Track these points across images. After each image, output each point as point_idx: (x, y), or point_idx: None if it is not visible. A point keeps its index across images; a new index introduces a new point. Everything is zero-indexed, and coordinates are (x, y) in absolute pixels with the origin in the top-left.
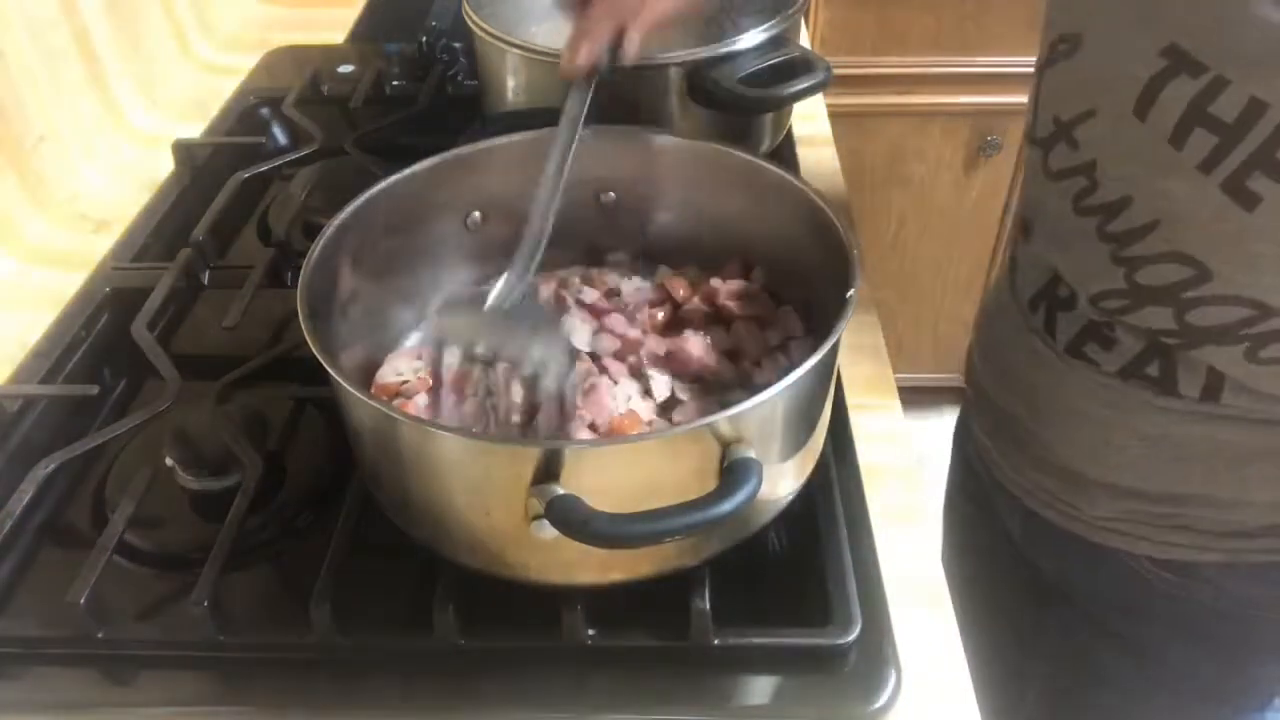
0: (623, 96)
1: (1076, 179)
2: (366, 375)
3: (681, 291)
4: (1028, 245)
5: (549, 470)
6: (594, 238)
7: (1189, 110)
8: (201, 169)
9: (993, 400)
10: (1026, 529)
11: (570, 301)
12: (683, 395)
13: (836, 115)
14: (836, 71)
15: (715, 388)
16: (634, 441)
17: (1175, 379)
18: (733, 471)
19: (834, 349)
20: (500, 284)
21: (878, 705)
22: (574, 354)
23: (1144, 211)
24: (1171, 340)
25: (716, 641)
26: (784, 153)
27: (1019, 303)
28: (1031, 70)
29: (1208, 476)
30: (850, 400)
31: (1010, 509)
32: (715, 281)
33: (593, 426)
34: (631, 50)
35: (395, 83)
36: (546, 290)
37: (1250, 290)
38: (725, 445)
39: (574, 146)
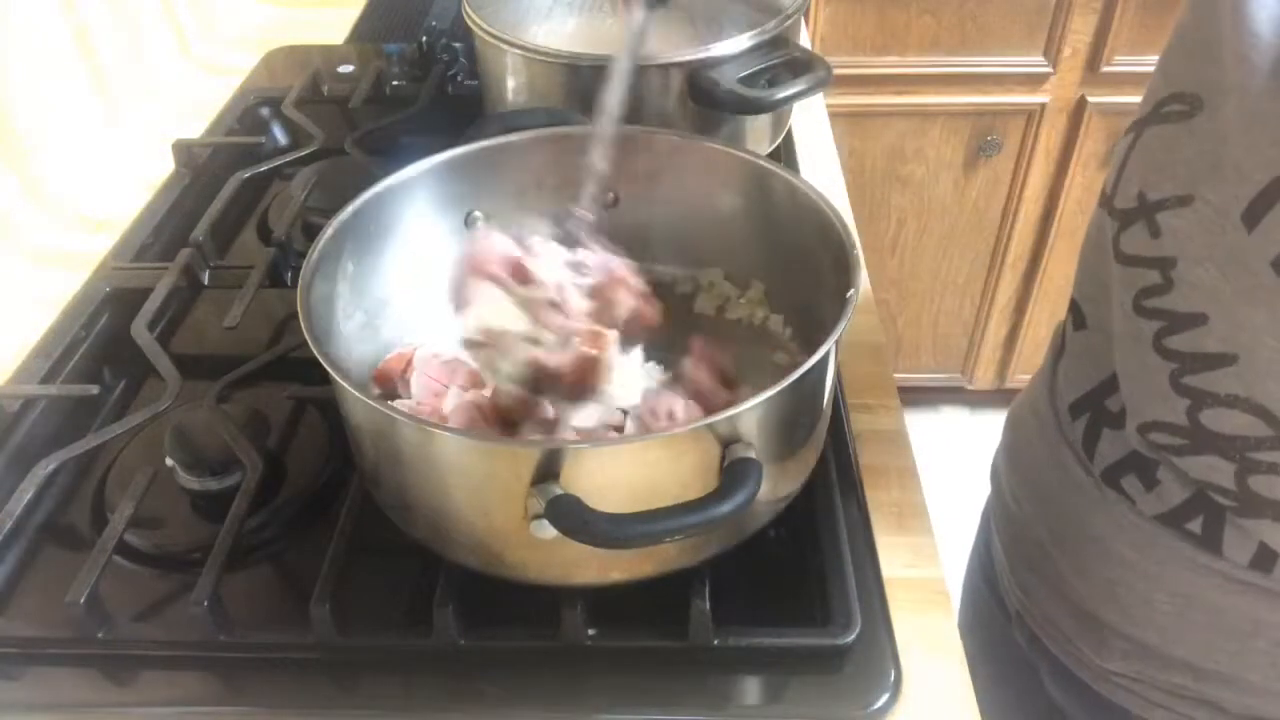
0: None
1: (1148, 272)
2: (366, 375)
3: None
4: (1077, 336)
5: (549, 470)
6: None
7: None
8: (201, 169)
9: (1014, 513)
10: (1033, 650)
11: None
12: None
13: (836, 115)
14: (836, 71)
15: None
16: (634, 441)
17: (1220, 541)
18: (733, 471)
19: (833, 349)
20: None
21: (878, 705)
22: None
23: (1219, 339)
24: (1225, 501)
25: (716, 641)
26: (784, 153)
27: (1058, 406)
28: (1033, 70)
29: (1242, 655)
30: (850, 400)
31: (1020, 630)
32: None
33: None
34: None
35: (395, 83)
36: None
37: None
38: (725, 445)
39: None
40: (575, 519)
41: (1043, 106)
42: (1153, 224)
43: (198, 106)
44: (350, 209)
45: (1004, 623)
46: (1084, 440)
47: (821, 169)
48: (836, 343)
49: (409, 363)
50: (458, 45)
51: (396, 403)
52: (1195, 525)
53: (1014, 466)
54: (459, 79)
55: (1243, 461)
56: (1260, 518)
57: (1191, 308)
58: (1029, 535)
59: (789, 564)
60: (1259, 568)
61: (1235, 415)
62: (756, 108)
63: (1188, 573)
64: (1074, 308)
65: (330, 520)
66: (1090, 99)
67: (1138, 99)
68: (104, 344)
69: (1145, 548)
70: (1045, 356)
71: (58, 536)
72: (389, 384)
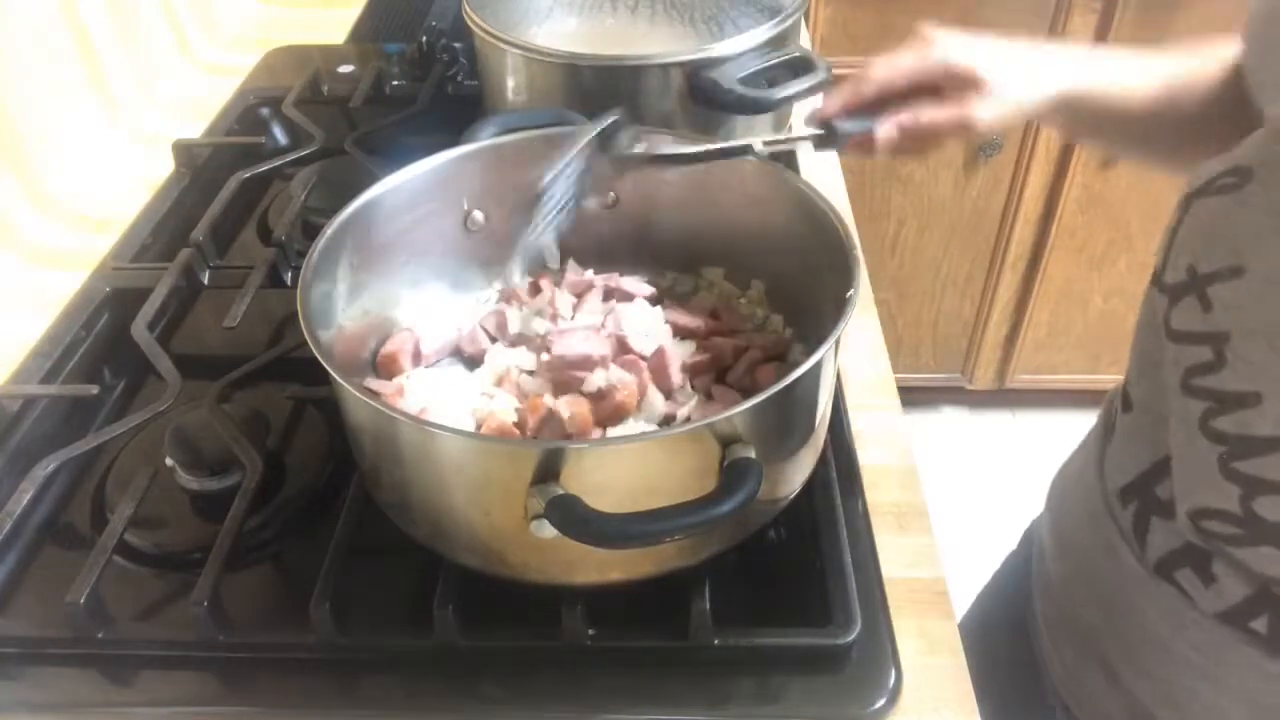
0: (623, 96)
1: (1199, 349)
2: (367, 374)
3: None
4: (1125, 418)
5: (549, 470)
6: (594, 238)
7: None
8: (201, 169)
9: (1058, 588)
10: None
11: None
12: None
13: None
14: (836, 71)
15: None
16: (634, 441)
17: None
18: (733, 471)
19: (833, 349)
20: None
21: (878, 705)
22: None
23: (1273, 420)
24: None
25: (716, 641)
26: (784, 153)
27: (1106, 489)
28: None
29: None
30: (850, 400)
31: (1056, 701)
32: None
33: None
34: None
35: (395, 83)
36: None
37: None
38: (725, 445)
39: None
40: (575, 519)
41: None
42: (1204, 298)
43: (198, 106)
44: (350, 209)
45: (1033, 684)
46: (1134, 528)
47: (821, 169)
48: (836, 343)
49: (416, 343)
50: (458, 45)
51: (405, 379)
52: (1260, 624)
53: (1059, 542)
54: (459, 79)
55: None
56: None
57: (1243, 385)
58: (1077, 615)
59: (789, 564)
60: None
61: None
62: (756, 108)
63: (1258, 681)
64: (1124, 391)
65: (330, 520)
66: None
67: None
68: (104, 344)
69: (1208, 649)
70: (1091, 435)
71: (58, 536)
72: (393, 368)
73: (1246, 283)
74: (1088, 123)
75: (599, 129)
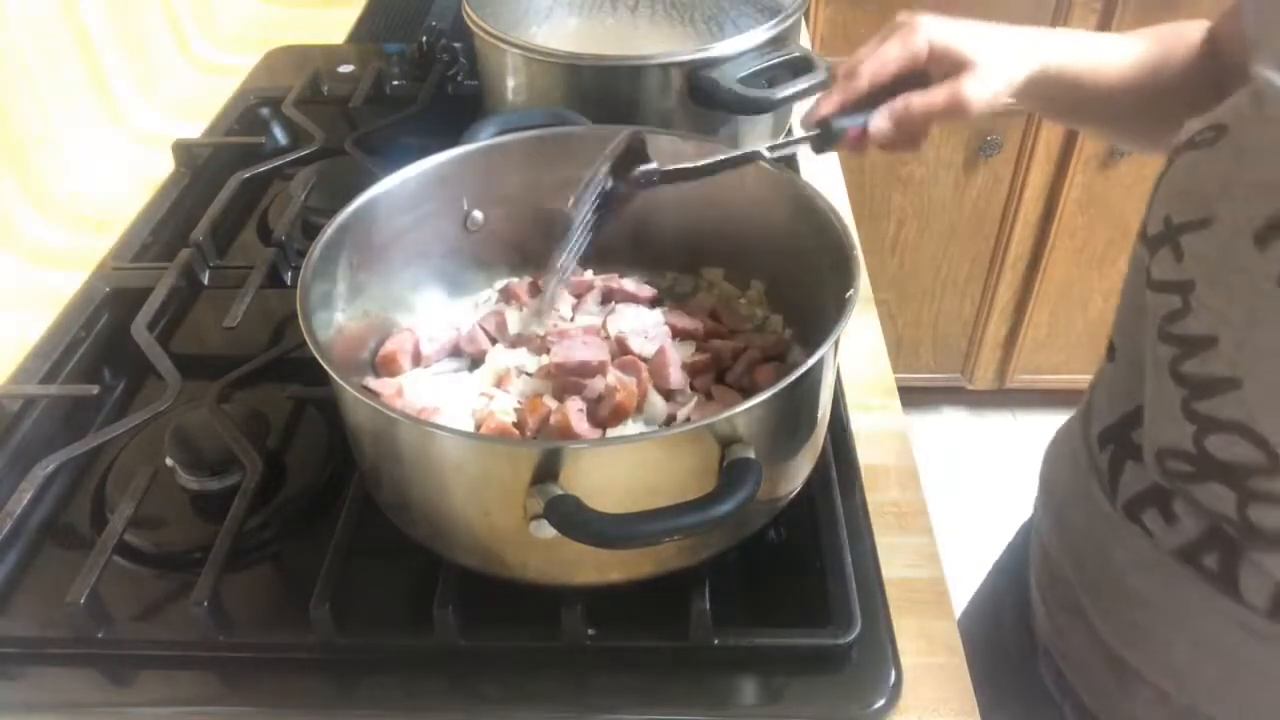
0: (623, 96)
1: (1171, 297)
2: (366, 373)
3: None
4: (1108, 368)
5: (548, 470)
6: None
7: None
8: (201, 169)
9: (1047, 549)
10: (1058, 688)
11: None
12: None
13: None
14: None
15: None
16: (633, 442)
17: (1237, 580)
18: (732, 471)
19: (833, 349)
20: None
21: (878, 705)
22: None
23: (1227, 362)
24: (1233, 533)
25: (716, 641)
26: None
27: (1089, 435)
28: None
29: (1260, 714)
30: (850, 400)
31: (1047, 665)
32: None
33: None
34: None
35: (395, 83)
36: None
37: None
38: (725, 445)
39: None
40: (574, 519)
41: None
42: (1177, 248)
43: (198, 106)
44: (350, 209)
45: (1029, 654)
46: (1109, 471)
47: (821, 169)
48: (836, 343)
49: (416, 343)
50: (458, 45)
51: (405, 380)
52: (1211, 561)
53: (1047, 497)
54: (459, 79)
55: (1241, 490)
56: (1266, 550)
57: (1204, 331)
58: (1060, 568)
59: (789, 564)
60: (1278, 617)
61: (1235, 442)
62: (756, 108)
63: (1210, 617)
64: (1110, 342)
65: (330, 520)
66: None
67: None
68: (104, 344)
69: (1165, 586)
70: (1085, 392)
71: (58, 536)
72: (393, 368)
73: (1213, 232)
74: (1067, 99)
75: (616, 150)
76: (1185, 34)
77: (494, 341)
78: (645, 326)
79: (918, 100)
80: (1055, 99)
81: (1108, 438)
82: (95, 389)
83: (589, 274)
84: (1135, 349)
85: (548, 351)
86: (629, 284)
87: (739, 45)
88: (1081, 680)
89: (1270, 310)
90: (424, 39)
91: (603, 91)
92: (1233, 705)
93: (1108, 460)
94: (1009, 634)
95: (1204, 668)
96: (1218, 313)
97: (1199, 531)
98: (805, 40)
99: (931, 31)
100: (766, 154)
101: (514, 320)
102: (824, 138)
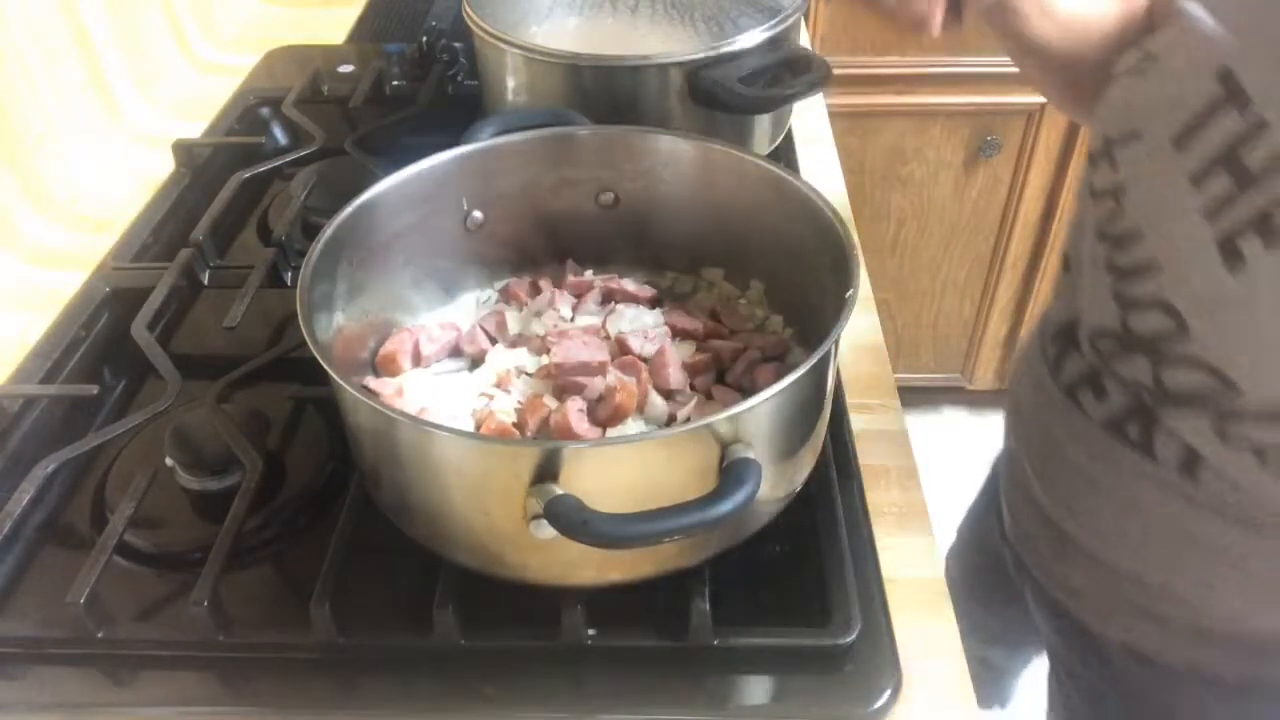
0: (623, 96)
1: (1108, 201)
2: (366, 373)
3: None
4: (1062, 278)
5: (548, 470)
6: (594, 238)
7: (1222, 149)
8: (201, 169)
9: (1009, 449)
10: (1019, 574)
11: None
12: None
13: (836, 115)
14: (836, 71)
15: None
16: (633, 442)
17: (1153, 443)
18: (732, 472)
19: (833, 349)
20: None
21: (878, 705)
22: None
23: (1148, 249)
24: (1150, 400)
25: (716, 641)
26: (784, 153)
27: (1043, 337)
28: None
29: (1173, 564)
30: (850, 400)
31: (1010, 556)
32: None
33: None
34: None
35: (395, 83)
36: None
37: (1220, 360)
38: (725, 445)
39: None
40: (574, 519)
41: (1043, 106)
42: (1112, 160)
43: (198, 106)
44: (350, 209)
45: (1000, 557)
46: (1055, 361)
47: (821, 169)
48: (836, 343)
49: (415, 343)
50: (458, 45)
51: (405, 380)
52: (1133, 430)
53: (1010, 403)
54: (459, 79)
55: (1155, 356)
56: (1175, 410)
57: (1132, 226)
58: (1016, 464)
59: (789, 564)
60: (1187, 473)
61: (1151, 315)
62: (756, 108)
63: (1131, 480)
64: (1064, 255)
65: (330, 520)
66: None
67: None
68: (104, 344)
69: (1095, 455)
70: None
71: (58, 536)
72: (393, 368)
73: (1142, 143)
74: (1021, 33)
75: None
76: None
77: (494, 341)
78: (645, 326)
79: None
80: (1015, 28)
81: (1058, 338)
82: (95, 389)
83: (589, 274)
84: (1082, 253)
85: (548, 351)
86: (629, 284)
87: (739, 45)
88: (1032, 557)
89: (1183, 203)
90: (424, 39)
91: (603, 91)
92: (1152, 559)
93: (1055, 353)
94: (985, 545)
95: (1127, 528)
96: (1143, 210)
97: (1123, 404)
98: (805, 40)
99: None
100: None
101: (514, 320)
102: None
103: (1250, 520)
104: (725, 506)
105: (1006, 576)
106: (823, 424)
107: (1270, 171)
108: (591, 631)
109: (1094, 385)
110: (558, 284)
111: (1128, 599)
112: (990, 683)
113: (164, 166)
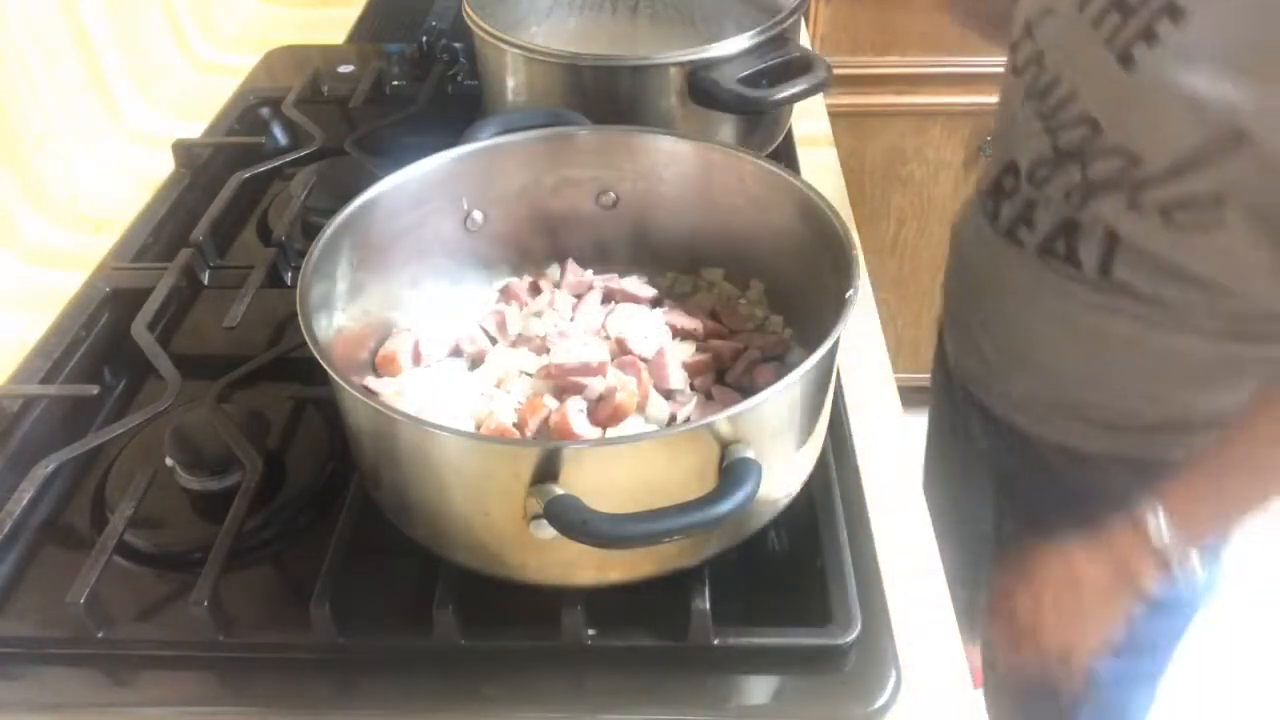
0: (623, 96)
1: (1031, 68)
2: (366, 372)
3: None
4: (985, 160)
5: (548, 470)
6: (594, 238)
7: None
8: (201, 169)
9: (951, 298)
10: (967, 406)
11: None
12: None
13: (836, 115)
14: (836, 71)
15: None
16: (633, 442)
17: (1077, 251)
18: (732, 472)
19: (833, 349)
20: None
21: (878, 705)
22: None
23: (1067, 86)
24: (1076, 198)
25: (716, 641)
26: (784, 153)
27: (979, 196)
28: None
29: (1095, 364)
30: (850, 400)
31: (966, 406)
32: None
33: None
34: None
35: (395, 83)
36: (545, 285)
37: (1127, 142)
38: (724, 445)
39: None
40: (574, 519)
41: None
42: (1032, 35)
43: (198, 106)
44: (350, 209)
45: (951, 395)
46: (992, 209)
47: (821, 169)
48: (836, 343)
49: (415, 343)
50: (458, 45)
51: (405, 380)
52: (1061, 245)
53: (953, 261)
54: (459, 79)
55: (1081, 159)
56: (1098, 196)
57: (1052, 77)
58: (959, 312)
59: (789, 564)
60: (1104, 273)
61: (1074, 131)
62: (756, 108)
63: (1061, 297)
64: (986, 143)
65: (330, 520)
66: None
67: None
68: (104, 344)
69: (1034, 282)
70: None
71: (58, 536)
72: (393, 368)
73: (1055, 16)
74: None
75: None
76: None
77: (494, 341)
78: (645, 326)
79: None
80: None
81: (993, 191)
82: (95, 389)
83: (589, 274)
84: (1006, 128)
85: (548, 351)
86: (629, 284)
87: (739, 45)
88: (973, 380)
89: (1089, 42)
90: (424, 39)
91: (603, 91)
92: (1078, 363)
93: (991, 203)
94: (943, 396)
95: (1057, 338)
96: (1059, 60)
97: (1051, 227)
98: (805, 40)
99: None
100: None
101: (514, 320)
102: None
103: (1148, 318)
104: (725, 506)
105: (957, 418)
106: (823, 424)
107: (1142, 3)
108: (591, 631)
109: (1027, 220)
110: (558, 284)
111: (1058, 402)
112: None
113: (164, 166)
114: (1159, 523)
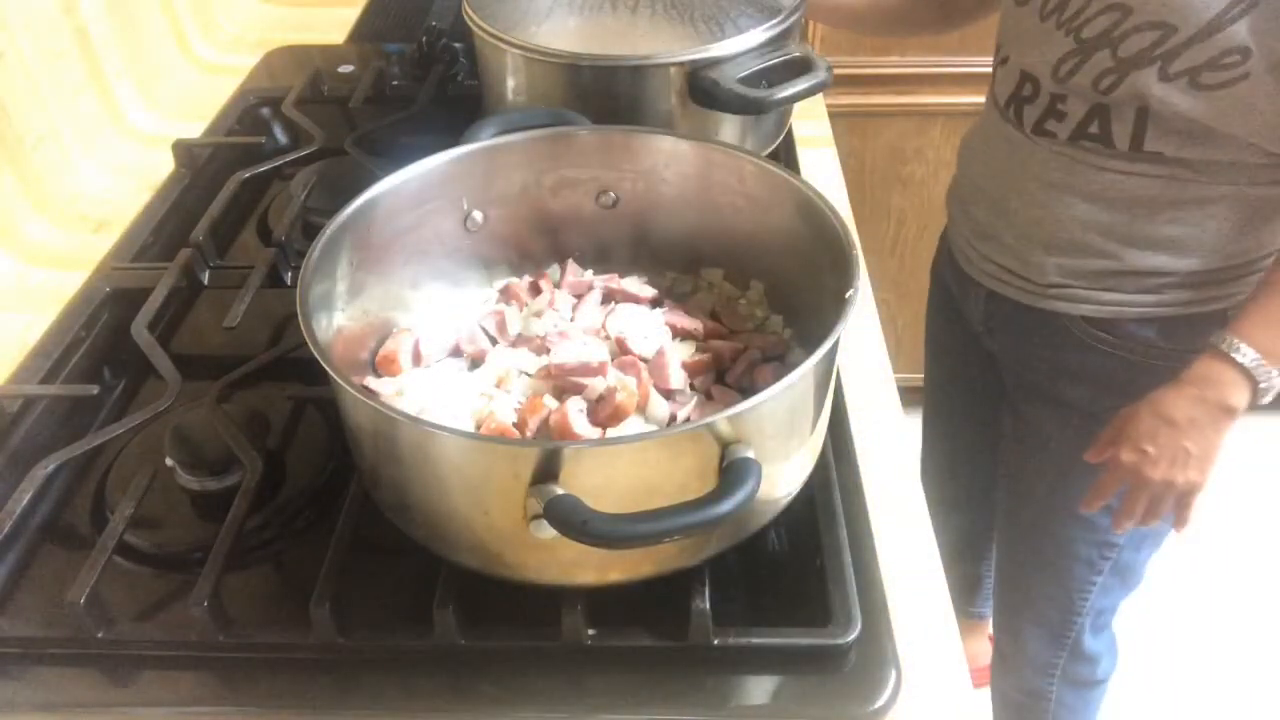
0: (623, 96)
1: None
2: (366, 371)
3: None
4: (1003, 67)
5: (548, 470)
6: (594, 238)
7: None
8: (201, 169)
9: (966, 208)
10: (988, 312)
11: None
12: (682, 399)
13: (836, 115)
14: (836, 71)
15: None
16: (633, 442)
17: (1111, 132)
18: (732, 472)
19: (833, 350)
20: None
21: (878, 705)
22: None
23: (1079, 4)
24: (1108, 81)
25: (716, 641)
26: (784, 153)
27: (997, 107)
28: None
29: (1128, 231)
30: (850, 400)
31: (975, 298)
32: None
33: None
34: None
35: (395, 83)
36: (545, 285)
37: (1157, 14)
38: (724, 445)
39: None
40: (574, 519)
41: None
42: None
43: (198, 106)
44: (350, 209)
45: (963, 338)
46: (1016, 116)
47: (821, 169)
48: (836, 343)
49: (415, 343)
50: (458, 45)
51: (405, 380)
52: (1095, 127)
53: (965, 171)
54: (459, 79)
55: (1110, 43)
56: (1131, 73)
57: None
58: (978, 218)
59: (789, 564)
60: (1136, 147)
61: (1099, 20)
62: (756, 108)
63: (1094, 175)
64: (999, 52)
65: (330, 520)
66: None
67: None
68: (104, 344)
69: (1066, 169)
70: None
71: (58, 536)
72: (393, 368)
73: None
74: None
75: None
76: None
77: (494, 341)
78: (645, 327)
79: None
80: None
81: (1011, 101)
82: (95, 389)
83: (589, 274)
84: (1021, 42)
85: (548, 351)
86: (629, 284)
87: (739, 45)
88: (964, 254)
89: None
90: (424, 39)
91: (603, 91)
92: (1111, 231)
93: (1014, 111)
94: (943, 284)
95: (1083, 214)
96: None
97: (1083, 113)
98: (805, 40)
99: None
100: None
101: (514, 320)
102: None
103: (1180, 178)
104: (725, 506)
105: (956, 306)
106: (823, 424)
107: None
108: (591, 631)
109: (1056, 114)
110: (558, 284)
111: (1093, 275)
112: (967, 590)
113: (164, 166)
114: (1238, 344)
